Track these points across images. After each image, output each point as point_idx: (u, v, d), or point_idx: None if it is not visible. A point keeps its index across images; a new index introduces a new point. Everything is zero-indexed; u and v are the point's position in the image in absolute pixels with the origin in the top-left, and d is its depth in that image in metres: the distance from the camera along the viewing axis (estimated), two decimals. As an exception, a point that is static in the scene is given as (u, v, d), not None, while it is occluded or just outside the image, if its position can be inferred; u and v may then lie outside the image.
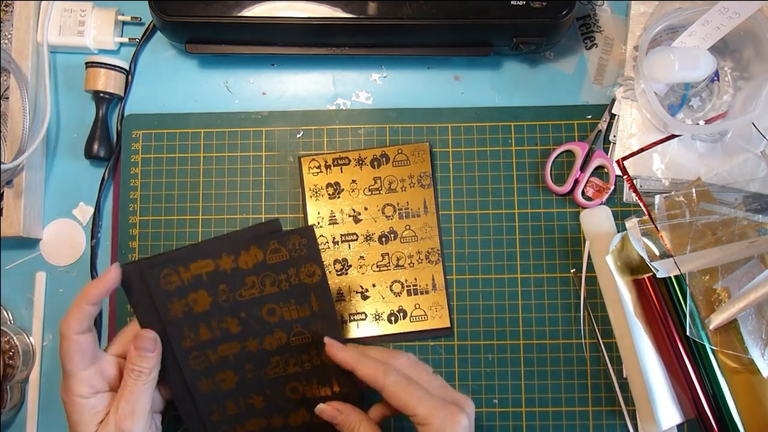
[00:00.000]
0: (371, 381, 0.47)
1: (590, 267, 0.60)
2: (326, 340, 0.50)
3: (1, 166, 0.57)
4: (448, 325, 0.59)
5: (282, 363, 0.50)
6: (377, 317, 0.59)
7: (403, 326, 0.59)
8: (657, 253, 0.56)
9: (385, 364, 0.47)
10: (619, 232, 0.59)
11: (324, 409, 0.49)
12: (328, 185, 0.61)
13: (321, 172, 0.61)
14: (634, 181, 0.59)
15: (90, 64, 0.62)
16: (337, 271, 0.60)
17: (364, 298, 0.60)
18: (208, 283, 0.47)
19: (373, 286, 0.60)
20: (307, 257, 0.48)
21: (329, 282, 0.50)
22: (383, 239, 0.60)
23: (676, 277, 0.55)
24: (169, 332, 0.48)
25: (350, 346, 0.50)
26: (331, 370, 0.50)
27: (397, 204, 0.61)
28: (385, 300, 0.60)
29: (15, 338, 0.59)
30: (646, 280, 0.56)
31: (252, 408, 0.50)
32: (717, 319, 0.54)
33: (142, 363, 0.46)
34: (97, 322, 0.61)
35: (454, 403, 0.46)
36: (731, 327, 0.54)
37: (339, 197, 0.61)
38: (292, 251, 0.48)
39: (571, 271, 0.60)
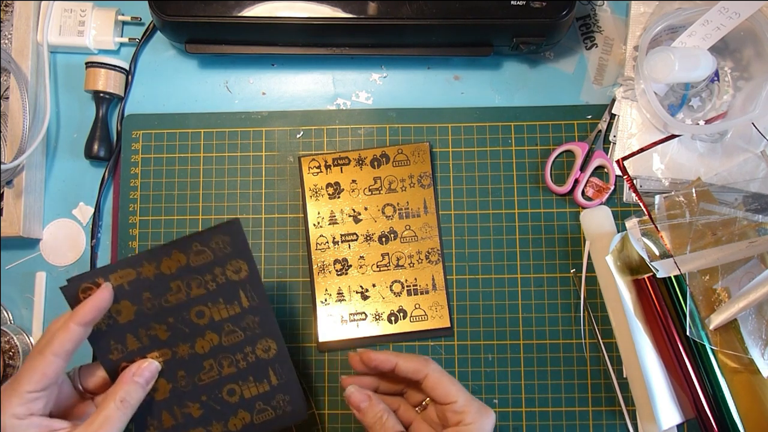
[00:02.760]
0: (413, 371, 0.49)
1: (590, 267, 0.60)
2: (359, 351, 0.51)
3: (1, 166, 0.57)
4: (448, 325, 0.59)
5: (216, 365, 0.48)
6: (377, 317, 0.59)
7: (403, 326, 0.59)
8: (657, 253, 0.56)
9: (423, 357, 0.50)
10: (619, 232, 0.59)
11: (352, 393, 0.48)
12: (328, 185, 0.61)
13: (321, 172, 0.61)
14: (634, 181, 0.59)
15: (90, 64, 0.62)
16: (337, 271, 0.60)
17: (364, 298, 0.60)
18: (131, 292, 0.46)
19: (373, 286, 0.60)
20: (232, 254, 0.47)
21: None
22: (383, 239, 0.60)
23: (676, 277, 0.55)
24: (94, 346, 0.46)
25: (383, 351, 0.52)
26: (265, 363, 0.49)
27: (397, 204, 0.61)
28: (385, 300, 0.59)
29: (15, 338, 0.59)
30: (646, 280, 0.56)
31: (189, 417, 0.48)
32: (717, 319, 0.54)
33: (135, 394, 0.45)
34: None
35: (482, 403, 0.49)
36: (731, 327, 0.54)
37: (339, 197, 0.61)
38: (216, 251, 0.46)
39: (571, 271, 0.60)
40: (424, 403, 0.51)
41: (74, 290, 0.45)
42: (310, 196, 0.61)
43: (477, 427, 0.47)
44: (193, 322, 0.47)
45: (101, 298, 0.45)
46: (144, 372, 0.46)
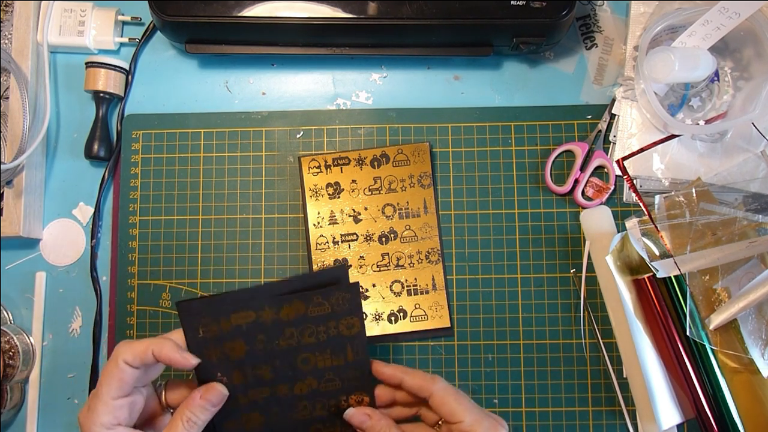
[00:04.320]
0: (419, 389, 0.48)
1: (590, 267, 0.60)
2: (373, 362, 0.51)
3: (1, 166, 0.57)
4: (448, 325, 0.59)
5: (309, 407, 0.50)
6: (377, 317, 0.59)
7: (403, 326, 0.59)
8: (657, 253, 0.56)
9: (431, 375, 0.49)
10: (619, 232, 0.59)
11: (353, 414, 0.49)
12: (328, 185, 0.61)
13: (321, 172, 0.61)
14: (634, 181, 0.59)
15: (90, 64, 0.62)
16: (337, 271, 0.60)
17: (364, 298, 0.60)
18: (247, 333, 0.48)
19: (373, 286, 0.60)
20: (349, 311, 0.49)
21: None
22: (383, 239, 0.60)
23: (676, 277, 0.55)
24: (201, 374, 0.48)
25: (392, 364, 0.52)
26: None
27: (397, 204, 0.61)
28: (385, 300, 0.59)
29: (15, 338, 0.59)
30: (646, 280, 0.56)
31: None
32: (717, 319, 0.54)
33: (202, 415, 0.46)
34: (99, 324, 0.61)
35: (494, 417, 0.48)
36: (731, 327, 0.54)
37: (339, 197, 0.61)
38: (335, 305, 0.48)
39: (571, 271, 0.60)
40: (440, 422, 0.51)
41: (194, 319, 0.46)
42: (310, 196, 0.61)
43: None
44: (298, 367, 0.49)
45: (187, 365, 0.45)
46: (210, 397, 0.46)
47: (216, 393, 0.47)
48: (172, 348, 0.45)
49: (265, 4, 0.57)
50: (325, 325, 0.49)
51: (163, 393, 0.49)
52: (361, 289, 0.59)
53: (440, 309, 0.59)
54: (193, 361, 0.46)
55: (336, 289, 0.48)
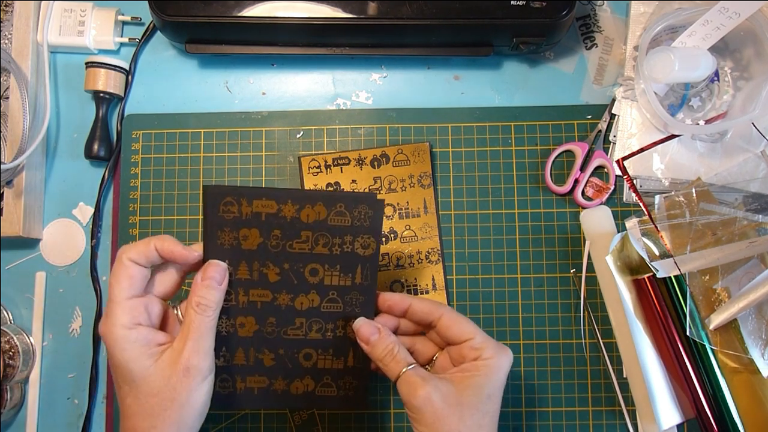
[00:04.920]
0: (427, 313, 0.48)
1: (590, 267, 0.60)
2: (379, 292, 0.50)
3: (1, 166, 0.57)
4: (448, 325, 0.59)
5: (305, 326, 0.49)
6: (377, 317, 0.59)
7: (403, 326, 0.59)
8: (657, 253, 0.56)
9: (438, 301, 0.49)
10: (619, 232, 0.59)
11: (362, 325, 0.47)
12: (328, 185, 0.61)
13: (321, 172, 0.61)
14: (634, 181, 0.59)
15: (90, 64, 0.62)
16: (337, 271, 0.60)
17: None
18: (265, 224, 0.47)
19: (373, 286, 0.60)
20: (368, 229, 0.48)
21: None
22: (383, 239, 0.60)
23: (676, 277, 0.55)
24: (209, 258, 0.47)
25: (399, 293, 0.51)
26: (350, 343, 0.49)
27: (397, 204, 0.61)
28: (385, 300, 0.59)
29: (15, 338, 0.59)
30: (646, 280, 0.56)
31: (260, 364, 0.49)
32: (717, 319, 0.54)
33: (209, 295, 0.44)
34: (100, 310, 0.61)
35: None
36: (731, 327, 0.54)
37: (339, 197, 0.61)
38: (355, 219, 0.47)
39: (571, 271, 0.60)
40: (434, 358, 0.50)
41: (216, 198, 0.46)
42: (310, 196, 0.61)
43: (496, 362, 0.45)
44: (304, 277, 0.48)
45: (190, 257, 0.45)
46: (210, 273, 0.46)
47: (214, 267, 0.46)
48: (174, 241, 0.45)
49: (265, 4, 0.57)
50: (341, 238, 0.47)
51: (178, 312, 0.48)
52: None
53: (440, 309, 0.59)
54: (195, 253, 0.45)
55: (360, 202, 0.47)
